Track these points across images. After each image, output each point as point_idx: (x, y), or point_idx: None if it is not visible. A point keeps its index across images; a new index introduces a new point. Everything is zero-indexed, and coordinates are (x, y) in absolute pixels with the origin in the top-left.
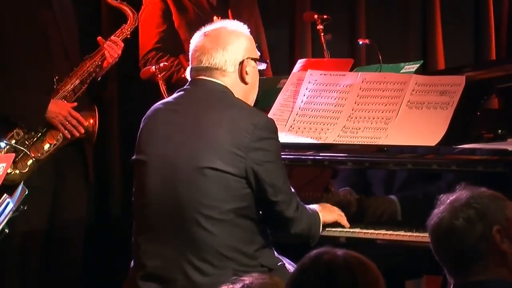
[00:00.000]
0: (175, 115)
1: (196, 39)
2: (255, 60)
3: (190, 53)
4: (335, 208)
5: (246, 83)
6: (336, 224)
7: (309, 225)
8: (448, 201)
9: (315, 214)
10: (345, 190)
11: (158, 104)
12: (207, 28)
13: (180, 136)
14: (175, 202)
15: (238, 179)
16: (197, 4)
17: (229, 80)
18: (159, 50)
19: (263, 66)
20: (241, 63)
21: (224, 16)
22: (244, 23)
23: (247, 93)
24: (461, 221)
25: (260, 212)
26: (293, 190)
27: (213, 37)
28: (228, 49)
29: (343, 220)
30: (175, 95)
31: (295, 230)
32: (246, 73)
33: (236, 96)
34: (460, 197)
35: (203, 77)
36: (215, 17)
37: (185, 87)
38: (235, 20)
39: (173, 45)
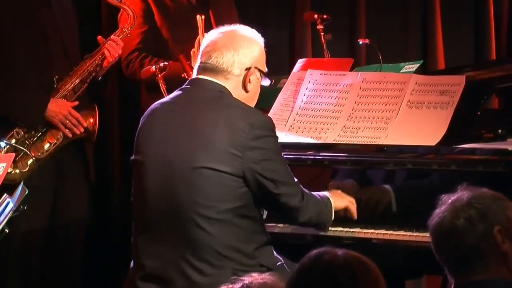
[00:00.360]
0: (173, 115)
1: (210, 36)
2: (261, 72)
3: (201, 48)
4: (346, 195)
5: (246, 91)
6: (337, 223)
7: (317, 212)
8: (450, 201)
9: (324, 200)
10: (349, 181)
11: (155, 104)
12: (224, 28)
13: (177, 136)
14: (173, 202)
15: (235, 178)
16: (177, 3)
17: (231, 83)
18: (141, 50)
19: (266, 82)
20: (248, 69)
21: (206, 15)
22: (223, 23)
23: (245, 101)
24: (462, 221)
25: (261, 212)
26: (296, 180)
27: (228, 37)
28: (239, 52)
29: (353, 208)
30: (172, 94)
31: (303, 218)
32: (249, 81)
33: None
34: (462, 197)
35: (204, 77)
36: (198, 16)
37: (183, 86)
38: (253, 29)
39: (156, 45)
